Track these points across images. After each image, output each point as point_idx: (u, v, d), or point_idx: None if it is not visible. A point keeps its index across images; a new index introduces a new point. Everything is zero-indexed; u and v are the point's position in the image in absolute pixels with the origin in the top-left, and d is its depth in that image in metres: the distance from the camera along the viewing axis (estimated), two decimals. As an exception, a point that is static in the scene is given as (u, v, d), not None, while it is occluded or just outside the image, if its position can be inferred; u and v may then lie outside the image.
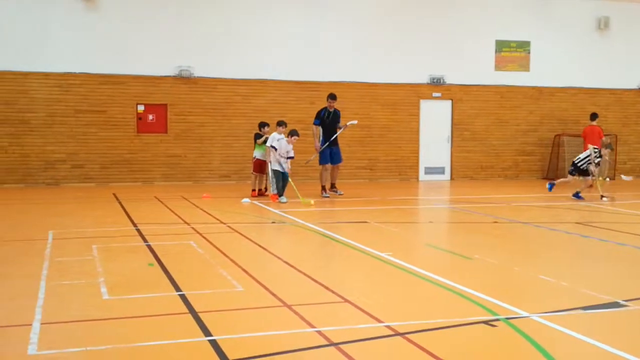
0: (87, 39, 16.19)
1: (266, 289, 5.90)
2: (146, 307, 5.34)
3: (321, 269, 6.95)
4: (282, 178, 12.77)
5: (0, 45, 15.64)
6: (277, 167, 12.75)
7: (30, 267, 6.75)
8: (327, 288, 5.94)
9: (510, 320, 4.96)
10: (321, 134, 13.95)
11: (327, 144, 13.79)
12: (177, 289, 5.88)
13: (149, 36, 16.60)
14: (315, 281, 6.22)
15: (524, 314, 5.13)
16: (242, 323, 4.96)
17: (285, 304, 5.39)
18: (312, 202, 12.44)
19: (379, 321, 4.93)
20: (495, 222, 10.49)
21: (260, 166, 13.51)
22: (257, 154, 13.60)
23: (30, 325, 4.77)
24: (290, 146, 12.78)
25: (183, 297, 5.57)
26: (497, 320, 4.98)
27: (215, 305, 5.39)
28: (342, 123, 14.16)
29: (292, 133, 12.87)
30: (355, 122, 14.45)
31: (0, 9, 15.70)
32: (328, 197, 13.69)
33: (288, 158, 12.80)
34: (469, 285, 5.97)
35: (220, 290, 5.89)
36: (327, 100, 13.99)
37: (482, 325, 4.88)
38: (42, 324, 4.82)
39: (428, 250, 8.28)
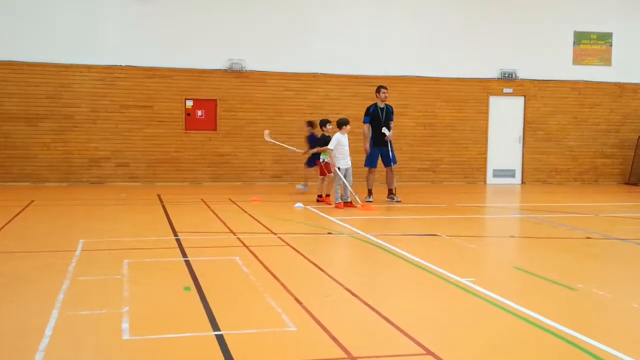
0: (133, 30, 15.30)
1: (324, 329, 4.69)
2: (172, 355, 4.20)
3: (390, 301, 5.67)
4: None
5: (43, 36, 14.90)
6: (343, 165, 11.61)
7: (46, 289, 5.75)
8: (401, 330, 4.69)
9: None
10: (370, 133, 12.59)
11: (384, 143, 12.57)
12: (215, 326, 4.73)
13: (198, 27, 15.62)
14: (385, 319, 4.97)
15: (674, 382, 3.77)
16: (294, 386, 3.77)
17: (350, 356, 4.17)
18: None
19: (478, 389, 3.66)
20: (589, 237, 9.01)
21: (326, 168, 12.23)
22: (324, 156, 12.32)
23: (22, 381, 3.69)
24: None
25: (220, 339, 4.42)
26: (642, 393, 3.64)
27: (259, 354, 4.21)
28: (394, 121, 12.84)
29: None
30: (390, 133, 12.66)
31: (45, -1, 14.97)
32: (371, 201, 12.28)
33: None
34: (585, 332, 4.62)
35: (268, 329, 4.70)
36: (377, 93, 12.63)
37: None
38: (37, 379, 3.73)
39: (518, 275, 6.87)
